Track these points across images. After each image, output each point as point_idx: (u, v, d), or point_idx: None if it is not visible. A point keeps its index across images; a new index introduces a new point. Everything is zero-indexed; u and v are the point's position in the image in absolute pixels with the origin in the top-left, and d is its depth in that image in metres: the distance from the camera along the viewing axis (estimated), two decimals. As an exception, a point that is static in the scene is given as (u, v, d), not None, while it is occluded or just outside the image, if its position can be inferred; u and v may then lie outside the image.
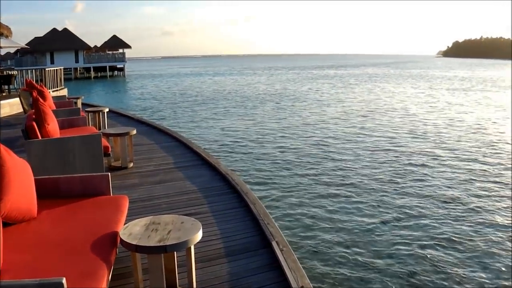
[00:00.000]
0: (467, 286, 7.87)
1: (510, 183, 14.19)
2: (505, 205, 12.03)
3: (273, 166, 15.98)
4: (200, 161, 9.72)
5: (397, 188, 13.50)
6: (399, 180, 14.42)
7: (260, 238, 5.76)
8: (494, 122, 26.75)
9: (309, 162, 16.60)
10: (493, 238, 9.83)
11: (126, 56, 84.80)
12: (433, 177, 14.78)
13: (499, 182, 14.31)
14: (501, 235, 9.96)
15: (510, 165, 16.44)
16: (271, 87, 53.10)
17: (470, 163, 16.83)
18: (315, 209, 11.44)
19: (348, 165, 16.17)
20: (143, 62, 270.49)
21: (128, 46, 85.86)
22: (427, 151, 18.75)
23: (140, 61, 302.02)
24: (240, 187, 7.61)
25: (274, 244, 5.42)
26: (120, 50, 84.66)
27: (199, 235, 4.05)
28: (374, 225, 10.50)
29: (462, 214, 11.36)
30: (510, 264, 8.63)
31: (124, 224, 4.32)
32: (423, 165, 16.34)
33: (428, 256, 8.93)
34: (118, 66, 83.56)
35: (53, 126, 7.65)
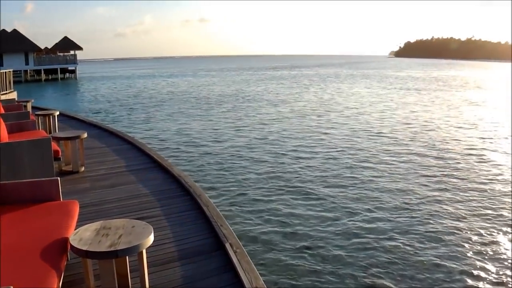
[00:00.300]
0: (419, 283, 8.08)
1: (462, 178, 14.66)
2: (459, 199, 12.38)
3: (228, 167, 15.98)
4: (153, 164, 9.65)
5: (352, 187, 13.68)
6: (353, 178, 14.63)
7: (214, 240, 5.77)
8: (447, 121, 27.48)
9: (264, 163, 16.65)
10: (446, 236, 10.10)
11: (78, 58, 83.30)
12: (388, 174, 15.08)
13: (453, 177, 14.73)
14: (455, 233, 10.23)
15: (462, 162, 17.01)
16: (226, 88, 53.09)
17: (423, 160, 17.26)
18: (270, 210, 11.49)
19: (303, 165, 16.31)
20: (95, 64, 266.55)
21: (80, 48, 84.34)
22: (381, 149, 19.13)
23: (92, 63, 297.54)
24: (193, 189, 7.60)
25: (227, 246, 5.43)
26: (72, 52, 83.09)
27: (150, 239, 4.03)
28: (329, 224, 10.63)
29: (416, 210, 11.64)
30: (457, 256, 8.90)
31: (75, 229, 4.26)
32: (377, 163, 16.66)
33: (383, 252, 9.11)
34: (69, 68, 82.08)
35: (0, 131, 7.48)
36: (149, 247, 4.11)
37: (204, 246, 5.60)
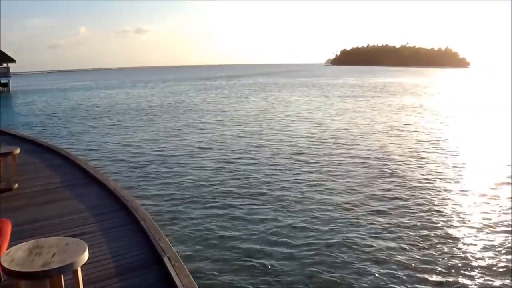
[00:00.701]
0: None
1: (402, 180, 15.07)
2: (400, 199, 12.70)
3: (168, 179, 15.84)
4: (88, 179, 9.49)
5: (293, 193, 13.82)
6: (294, 185, 14.80)
7: (152, 254, 5.74)
8: (385, 126, 28.28)
9: (204, 173, 16.62)
10: (391, 241, 10.33)
11: (11, 70, 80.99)
12: (331, 181, 15.28)
13: (393, 179, 15.13)
14: (400, 236, 10.48)
15: (402, 164, 17.48)
16: (165, 99, 52.61)
17: (364, 164, 17.70)
18: (211, 220, 11.47)
19: (245, 174, 16.39)
20: (29, 77, 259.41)
21: (13, 60, 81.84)
22: (322, 155, 19.44)
23: (26, 76, 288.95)
24: (130, 203, 7.53)
25: (165, 259, 5.40)
26: (4, 65, 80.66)
27: (85, 256, 3.98)
28: (270, 232, 10.71)
29: (360, 215, 11.87)
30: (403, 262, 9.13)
31: (7, 249, 4.15)
32: (317, 169, 16.93)
33: (328, 259, 9.25)
34: (2, 81, 79.58)
35: None
36: (84, 264, 4.05)
37: (142, 261, 5.56)
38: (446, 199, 13.44)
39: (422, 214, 12.03)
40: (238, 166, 17.67)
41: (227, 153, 20.13)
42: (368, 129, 26.90)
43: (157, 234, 6.15)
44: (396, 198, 13.43)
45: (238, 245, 9.85)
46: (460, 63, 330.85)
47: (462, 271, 8.71)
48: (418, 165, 17.68)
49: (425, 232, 10.69)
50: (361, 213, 12.13)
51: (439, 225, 11.19)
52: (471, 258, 9.27)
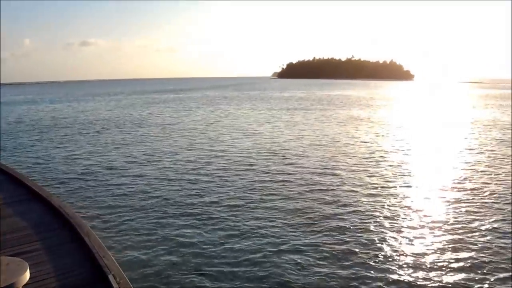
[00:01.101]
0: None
1: (353, 187, 15.30)
2: (350, 210, 12.88)
3: (114, 194, 15.61)
4: (31, 195, 9.27)
5: (241, 207, 13.82)
6: (244, 196, 14.80)
7: (96, 272, 5.65)
8: (336, 138, 28.79)
9: (152, 187, 16.47)
10: (337, 246, 10.46)
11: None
12: (281, 193, 15.36)
13: (345, 187, 15.34)
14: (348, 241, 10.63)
15: (351, 174, 17.81)
16: (112, 113, 51.89)
17: (315, 175, 17.86)
18: (157, 235, 11.38)
19: (193, 188, 16.30)
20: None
21: (-48, 74, 79.68)
22: (273, 168, 19.53)
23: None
24: (73, 220, 7.39)
25: (110, 277, 5.33)
26: None
27: (26, 276, 3.89)
28: (216, 242, 10.75)
29: (311, 223, 12.03)
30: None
31: None
32: (269, 181, 17.01)
33: (276, 266, 9.32)
34: None
35: None
36: (26, 284, 3.95)
37: (86, 279, 5.47)
38: (391, 205, 13.87)
39: (370, 219, 12.46)
40: (186, 179, 17.62)
41: (176, 167, 20.03)
42: (317, 141, 27.32)
43: (102, 251, 6.05)
44: (347, 204, 13.86)
45: (183, 262, 9.78)
46: (405, 75, 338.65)
47: (411, 269, 9.03)
48: (367, 175, 18.16)
49: (372, 236, 11.14)
50: (311, 220, 12.39)
51: (384, 229, 11.63)
52: (413, 257, 9.71)
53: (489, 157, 22.26)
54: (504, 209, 13.56)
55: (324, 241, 10.82)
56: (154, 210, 13.56)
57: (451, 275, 9.16)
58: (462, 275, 9.18)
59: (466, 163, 20.79)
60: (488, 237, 11.26)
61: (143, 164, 20.89)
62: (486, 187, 16.28)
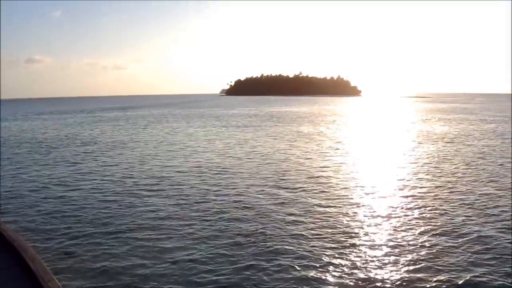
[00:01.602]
0: None
1: (307, 205, 15.38)
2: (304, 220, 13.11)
3: (60, 215, 15.16)
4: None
5: (197, 223, 13.68)
6: (198, 216, 14.68)
7: (41, 298, 5.36)
8: (287, 153, 29.15)
9: (100, 208, 16.09)
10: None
11: None
12: (235, 208, 15.33)
13: (298, 205, 15.35)
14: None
15: (305, 186, 17.96)
16: (60, 132, 50.57)
17: (269, 191, 18.13)
18: (105, 258, 11.08)
19: (143, 206, 16.16)
20: None
21: None
22: (226, 184, 19.64)
23: None
24: (17, 243, 7.08)
25: (56, 303, 5.13)
26: None
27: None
28: (167, 261, 10.68)
29: (265, 238, 12.02)
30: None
31: None
32: (223, 199, 16.89)
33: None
34: None
35: None
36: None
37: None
38: (341, 216, 14.16)
39: (323, 233, 12.69)
40: (137, 198, 17.39)
41: (127, 186, 19.72)
42: (269, 157, 27.57)
43: (47, 276, 5.75)
44: (300, 218, 13.98)
45: (130, 284, 9.72)
46: (352, 91, 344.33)
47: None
48: (320, 189, 18.47)
49: (327, 250, 11.35)
50: (266, 235, 12.53)
51: (338, 241, 11.82)
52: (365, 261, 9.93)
53: (429, 165, 23.84)
54: (446, 211, 14.92)
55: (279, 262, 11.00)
56: (103, 232, 13.23)
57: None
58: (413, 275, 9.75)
59: (408, 173, 21.81)
60: (433, 238, 12.20)
61: (91, 184, 20.42)
62: (428, 192, 17.59)
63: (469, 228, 13.22)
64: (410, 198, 16.85)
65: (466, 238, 12.32)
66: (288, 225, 13.67)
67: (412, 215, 14.69)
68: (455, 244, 11.86)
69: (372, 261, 10.83)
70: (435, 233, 12.82)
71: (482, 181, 19.95)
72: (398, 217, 14.53)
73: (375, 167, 23.92)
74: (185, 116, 79.53)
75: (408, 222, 13.94)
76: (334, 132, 45.25)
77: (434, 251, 11.39)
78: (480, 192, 17.77)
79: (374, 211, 15.18)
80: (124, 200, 17.11)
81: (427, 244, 11.92)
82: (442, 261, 10.69)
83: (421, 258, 10.91)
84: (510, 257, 10.90)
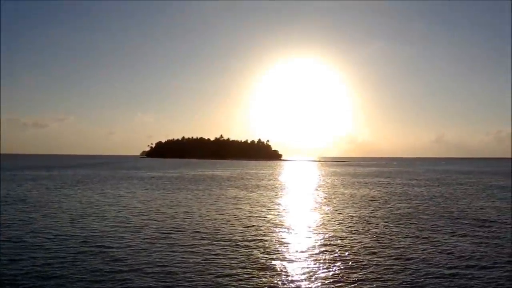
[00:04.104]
0: None
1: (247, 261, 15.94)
2: None
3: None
4: None
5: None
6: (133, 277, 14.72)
7: None
8: (208, 214, 29.76)
9: (30, 272, 15.84)
10: None
11: None
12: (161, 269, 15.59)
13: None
14: None
15: (233, 245, 18.46)
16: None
17: (199, 250, 18.55)
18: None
19: (72, 267, 16.27)
20: None
21: None
22: (167, 246, 20.13)
23: None
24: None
25: None
26: None
27: None
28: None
29: None
30: None
31: None
32: (164, 262, 17.14)
33: None
34: None
35: None
36: None
37: None
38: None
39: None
40: (65, 260, 17.40)
41: (52, 250, 19.46)
42: (194, 218, 28.98)
43: None
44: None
45: None
46: (273, 155, 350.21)
47: None
48: (254, 246, 20.04)
49: None
50: None
51: None
52: None
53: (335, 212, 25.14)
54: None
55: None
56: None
57: None
58: None
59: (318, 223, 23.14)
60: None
61: (16, 247, 19.94)
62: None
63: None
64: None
65: None
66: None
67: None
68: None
69: None
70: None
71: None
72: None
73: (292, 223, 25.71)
74: (111, 177, 77.94)
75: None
76: (261, 194, 47.08)
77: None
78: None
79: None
80: (53, 264, 16.97)
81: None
82: None
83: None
84: None
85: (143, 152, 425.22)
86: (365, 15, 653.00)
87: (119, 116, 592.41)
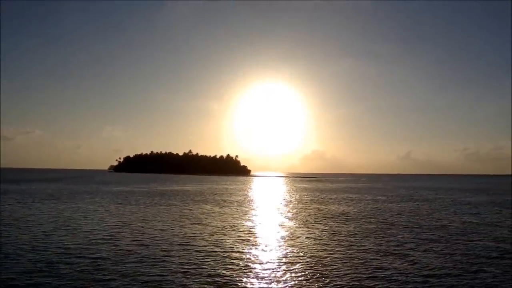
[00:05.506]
0: None
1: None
2: None
3: None
4: None
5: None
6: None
7: None
8: (181, 232, 30.11)
9: None
10: None
11: None
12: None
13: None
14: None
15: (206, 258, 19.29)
16: None
17: (166, 264, 19.08)
18: None
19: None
20: None
21: None
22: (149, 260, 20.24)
23: None
24: None
25: None
26: None
27: None
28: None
29: None
30: None
31: None
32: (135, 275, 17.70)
33: None
34: None
35: None
36: None
37: None
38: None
39: None
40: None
41: (25, 262, 19.73)
42: (164, 234, 28.85)
43: None
44: None
45: None
46: (242, 170, 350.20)
47: None
48: (221, 261, 20.42)
49: None
50: None
51: None
52: None
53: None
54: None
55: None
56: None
57: None
58: None
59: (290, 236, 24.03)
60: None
61: None
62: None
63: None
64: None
65: None
66: None
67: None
68: None
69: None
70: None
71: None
72: None
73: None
74: (79, 192, 76.44)
75: None
76: (229, 210, 47.26)
77: None
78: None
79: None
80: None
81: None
82: None
83: None
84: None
85: (111, 166, 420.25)
86: (335, 32, 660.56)
87: (86, 129, 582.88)
